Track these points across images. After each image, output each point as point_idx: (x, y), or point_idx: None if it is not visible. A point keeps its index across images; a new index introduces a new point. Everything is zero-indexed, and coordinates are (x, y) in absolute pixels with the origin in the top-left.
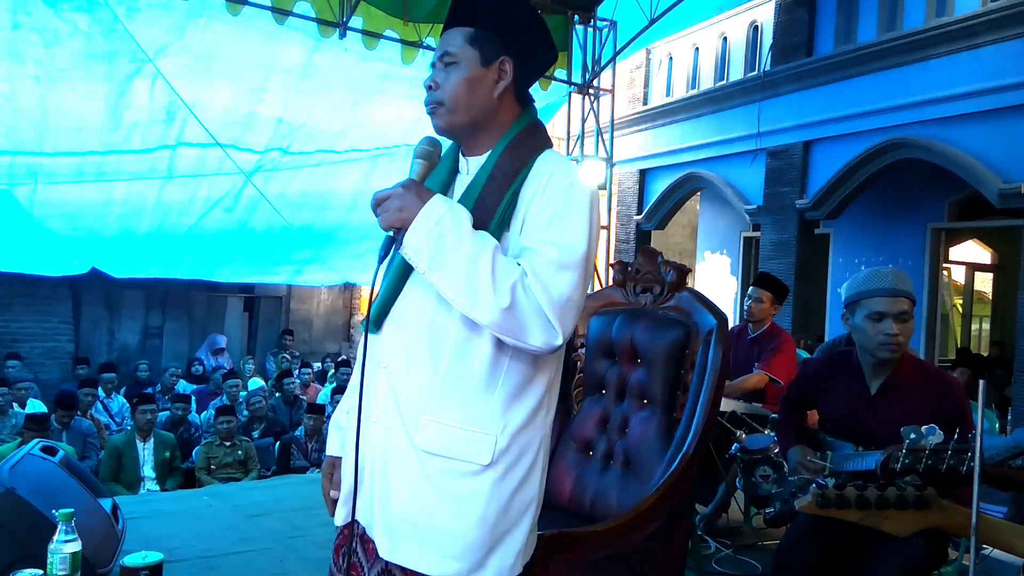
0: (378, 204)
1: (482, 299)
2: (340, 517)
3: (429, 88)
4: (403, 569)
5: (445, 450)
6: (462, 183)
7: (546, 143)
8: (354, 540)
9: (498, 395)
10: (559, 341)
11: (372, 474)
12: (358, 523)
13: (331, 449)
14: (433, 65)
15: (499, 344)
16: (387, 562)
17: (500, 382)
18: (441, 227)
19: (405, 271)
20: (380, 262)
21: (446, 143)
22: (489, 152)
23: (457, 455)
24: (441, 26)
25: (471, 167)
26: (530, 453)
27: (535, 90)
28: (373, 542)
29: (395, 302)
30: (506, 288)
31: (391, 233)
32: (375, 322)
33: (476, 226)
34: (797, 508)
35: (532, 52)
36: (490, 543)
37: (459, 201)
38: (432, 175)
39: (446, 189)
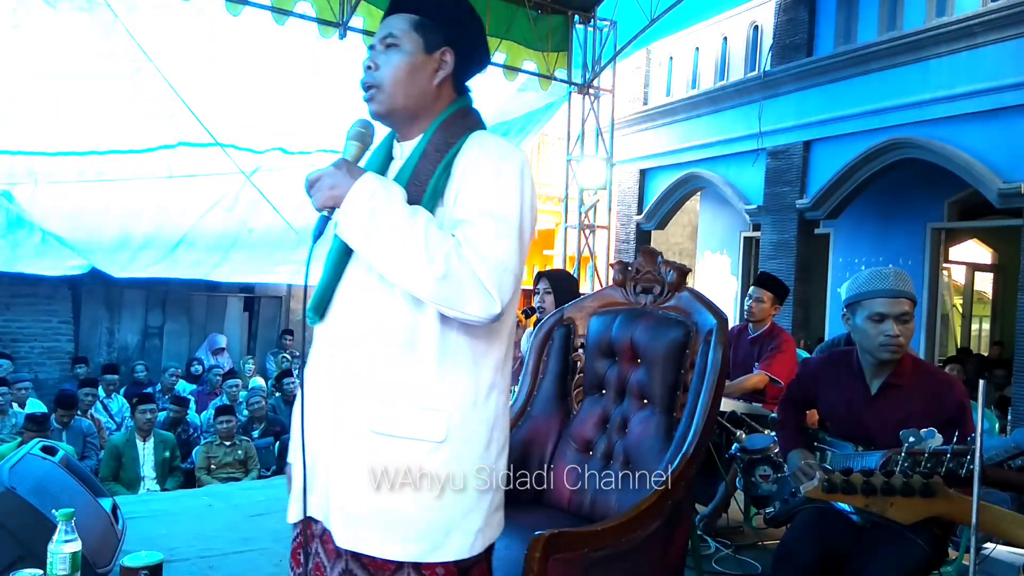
0: (311, 185)
1: (416, 270)
2: (293, 514)
3: (368, 68)
4: (361, 561)
5: (398, 430)
6: (395, 168)
7: (479, 124)
8: (315, 540)
9: (448, 373)
10: (498, 309)
11: (328, 465)
12: (316, 522)
13: (293, 455)
14: (372, 47)
15: (445, 321)
16: (347, 559)
17: (449, 360)
18: (373, 202)
19: (344, 257)
20: (314, 241)
21: (380, 129)
22: (422, 134)
23: (411, 434)
24: None
25: (405, 151)
26: (484, 430)
27: (538, 89)
28: (331, 543)
29: (336, 288)
30: (440, 257)
31: (325, 213)
32: (317, 310)
33: (410, 200)
34: (803, 492)
35: (472, 48)
36: (449, 523)
37: (394, 179)
38: (368, 161)
39: (381, 171)
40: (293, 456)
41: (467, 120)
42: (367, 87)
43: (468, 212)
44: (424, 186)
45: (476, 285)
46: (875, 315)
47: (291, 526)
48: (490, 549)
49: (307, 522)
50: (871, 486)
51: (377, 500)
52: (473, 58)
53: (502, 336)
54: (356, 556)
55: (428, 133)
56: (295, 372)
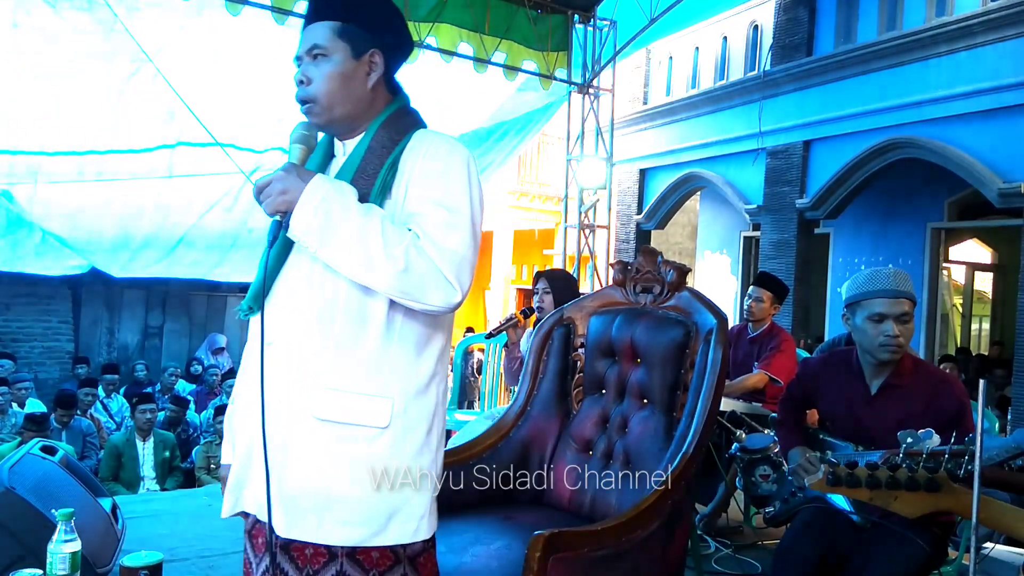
0: (260, 191)
1: (377, 267)
2: (226, 508)
3: (300, 83)
4: (292, 555)
5: (341, 416)
6: (337, 164)
7: (420, 123)
8: (245, 536)
9: (393, 359)
10: (458, 298)
11: (269, 455)
12: (248, 516)
13: (225, 458)
14: (299, 59)
15: (392, 307)
16: (275, 553)
17: (394, 346)
18: (327, 204)
19: (284, 249)
20: (269, 247)
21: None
22: (364, 132)
23: (354, 420)
24: (442, 25)
25: (347, 148)
26: (426, 417)
27: (538, 89)
28: (261, 532)
29: (275, 280)
30: (399, 252)
31: (277, 218)
32: (253, 301)
33: (359, 196)
34: (807, 485)
35: (397, 42)
36: (390, 508)
37: (338, 176)
38: (309, 160)
39: (322, 171)
40: (234, 448)
41: (408, 119)
42: (303, 101)
43: (420, 205)
44: (372, 181)
45: (436, 276)
46: (875, 315)
47: None
48: (434, 539)
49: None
50: (876, 479)
51: (317, 486)
52: (401, 52)
53: (445, 324)
54: (286, 548)
55: (371, 131)
56: None
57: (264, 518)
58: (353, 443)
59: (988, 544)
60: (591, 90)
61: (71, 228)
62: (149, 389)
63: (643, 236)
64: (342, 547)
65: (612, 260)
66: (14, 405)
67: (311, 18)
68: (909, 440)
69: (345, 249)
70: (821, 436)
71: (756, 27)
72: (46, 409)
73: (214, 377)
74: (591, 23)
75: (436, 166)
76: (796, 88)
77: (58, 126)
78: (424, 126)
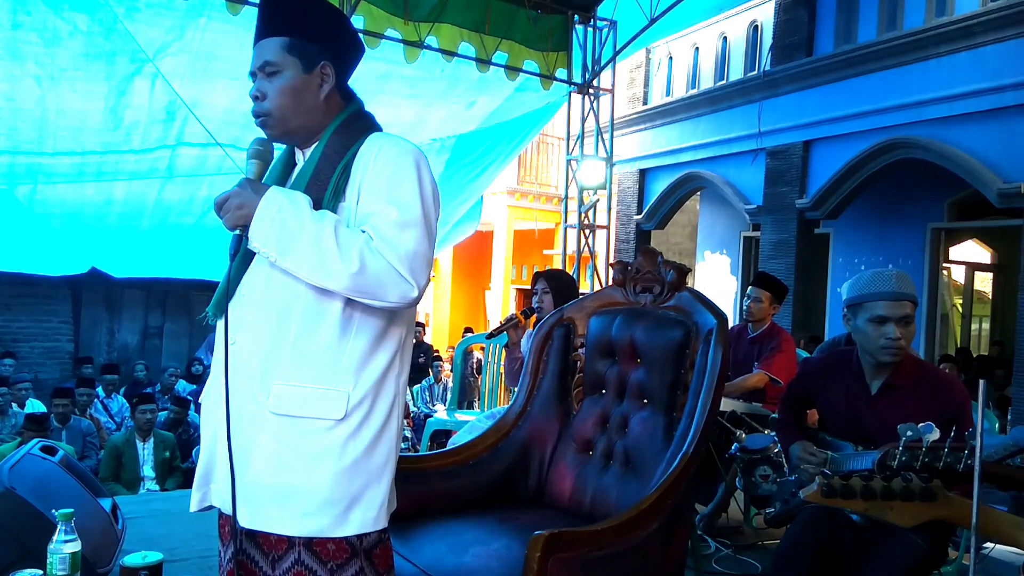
0: (219, 207)
1: (332, 270)
2: (194, 503)
3: (255, 98)
4: (258, 541)
5: (297, 410)
6: (296, 172)
7: (374, 127)
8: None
9: (349, 353)
10: (415, 293)
11: (228, 450)
12: (218, 511)
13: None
14: (253, 75)
15: (349, 303)
16: (241, 539)
17: (351, 340)
18: (282, 215)
19: (246, 258)
20: (232, 260)
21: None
22: (319, 141)
23: (309, 413)
24: (442, 25)
25: (306, 155)
26: (383, 407)
27: (538, 89)
28: (228, 522)
29: (238, 286)
30: (353, 255)
31: (237, 232)
32: (217, 306)
33: (313, 200)
34: (802, 497)
35: (346, 50)
36: (349, 498)
37: (294, 181)
38: (271, 171)
39: (283, 181)
40: (201, 444)
41: (361, 123)
42: (258, 116)
43: (373, 206)
44: (325, 185)
45: (392, 274)
46: (876, 317)
47: None
48: (388, 531)
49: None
50: (870, 490)
51: (276, 478)
52: (350, 59)
53: (404, 318)
54: (251, 535)
55: (324, 138)
56: None
57: (228, 511)
58: (310, 436)
59: (988, 544)
60: (591, 90)
61: (71, 228)
62: (149, 389)
63: (643, 236)
64: (300, 537)
65: (612, 260)
66: (14, 405)
67: (260, 34)
68: (909, 433)
69: (302, 256)
70: (821, 436)
71: (756, 27)
72: (46, 409)
73: None
74: (591, 23)
75: (386, 167)
76: (796, 88)
77: (58, 126)
78: (379, 129)
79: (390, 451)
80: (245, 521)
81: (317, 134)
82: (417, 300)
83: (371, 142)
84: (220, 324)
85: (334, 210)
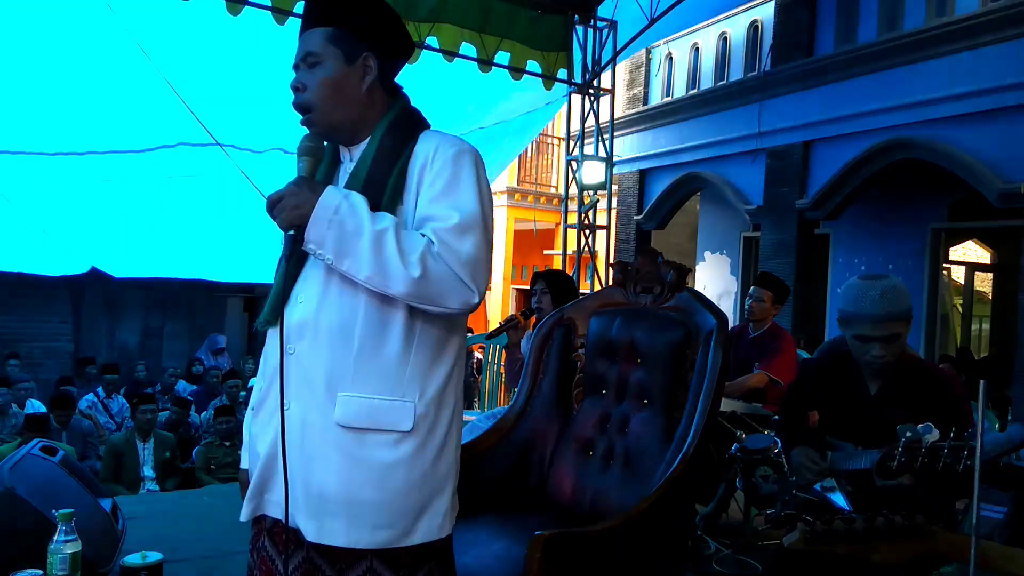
0: (272, 206)
1: (394, 275)
2: (245, 513)
3: (296, 89)
4: (324, 550)
5: (365, 422)
6: (346, 170)
7: (424, 124)
8: (263, 535)
9: (413, 363)
10: (476, 299)
11: (290, 461)
12: (267, 517)
13: (243, 462)
14: (296, 67)
15: (411, 312)
16: (308, 548)
17: (415, 350)
18: (340, 216)
19: (300, 260)
20: (285, 262)
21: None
22: (368, 139)
23: (378, 426)
24: (443, 25)
25: (353, 155)
26: (446, 417)
27: (538, 89)
28: (291, 531)
29: (294, 289)
30: (416, 259)
31: (291, 232)
32: (272, 314)
33: (371, 204)
34: (786, 544)
35: (392, 45)
36: (418, 508)
37: (347, 183)
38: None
39: (330, 180)
40: (251, 456)
41: (412, 120)
42: (299, 108)
43: (433, 209)
44: (382, 190)
45: (453, 280)
46: (860, 336)
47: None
48: (451, 535)
49: (262, 519)
50: (854, 533)
51: (345, 492)
52: (397, 54)
53: (460, 324)
54: (320, 546)
55: (375, 138)
56: None
57: (289, 523)
58: (378, 448)
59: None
60: (591, 90)
61: (71, 228)
62: (149, 390)
63: (643, 236)
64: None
65: (612, 260)
66: (14, 405)
67: (305, 25)
68: (908, 434)
69: (361, 260)
70: (822, 436)
71: (756, 27)
72: (46, 409)
73: (215, 379)
74: (591, 23)
75: (445, 169)
76: (796, 88)
77: (58, 126)
78: (428, 125)
79: (453, 460)
80: (312, 536)
81: (363, 131)
82: (477, 305)
83: (426, 141)
84: (272, 333)
85: (392, 214)
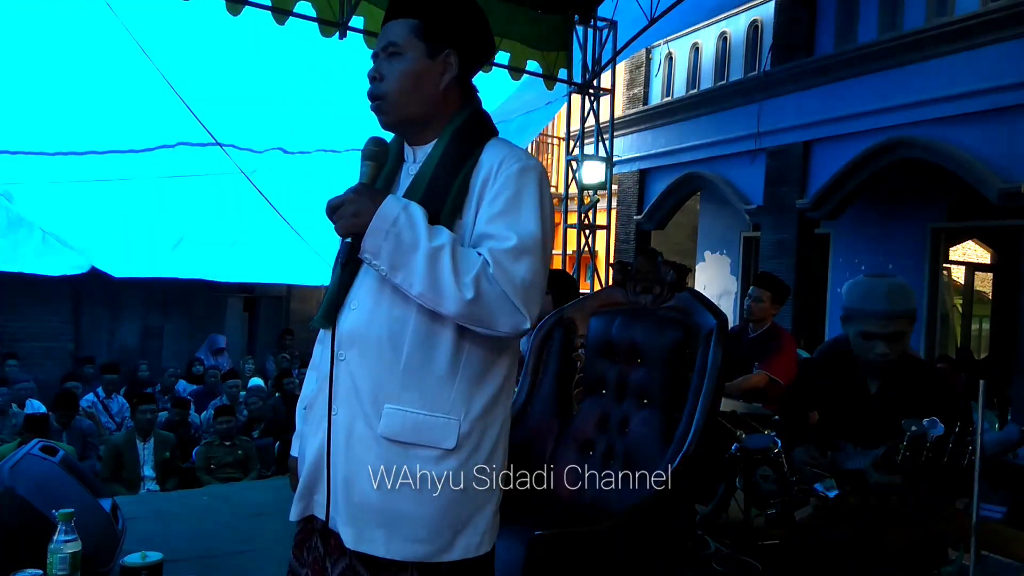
0: (332, 211)
1: (447, 294)
2: (295, 512)
3: (373, 79)
4: (366, 560)
5: (409, 437)
6: (409, 173)
7: (492, 131)
8: (314, 536)
9: (460, 380)
10: (527, 325)
11: (334, 467)
12: (317, 518)
13: (294, 449)
14: (375, 56)
15: (460, 331)
16: (351, 556)
17: (461, 368)
18: (397, 228)
19: (355, 267)
20: (340, 268)
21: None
22: (435, 141)
23: (421, 441)
24: None
25: (417, 156)
26: (491, 436)
27: (538, 89)
28: (336, 536)
29: (348, 295)
30: (470, 281)
31: (349, 240)
32: (326, 316)
33: (429, 215)
34: (797, 519)
35: (475, 45)
36: (457, 525)
37: (408, 189)
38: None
39: (392, 178)
40: (299, 456)
41: (480, 127)
42: (373, 98)
43: (491, 228)
44: (443, 200)
45: (506, 304)
46: (864, 333)
47: (293, 525)
48: (492, 551)
49: (311, 519)
50: (864, 510)
51: (384, 502)
52: (478, 55)
53: (511, 346)
54: (360, 554)
55: (442, 143)
56: (295, 372)
57: (333, 527)
58: (420, 463)
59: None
60: (591, 90)
61: (71, 228)
62: (149, 389)
63: (643, 236)
64: (412, 562)
65: (612, 260)
66: (14, 405)
67: (390, 14)
68: (913, 428)
69: (415, 275)
70: (822, 435)
71: (756, 27)
72: (46, 409)
73: (213, 379)
74: (591, 23)
75: (508, 186)
76: (796, 88)
77: (58, 126)
78: (496, 132)
79: (496, 479)
80: (350, 543)
81: (432, 130)
82: (528, 331)
83: (492, 152)
84: (324, 334)
85: (451, 227)
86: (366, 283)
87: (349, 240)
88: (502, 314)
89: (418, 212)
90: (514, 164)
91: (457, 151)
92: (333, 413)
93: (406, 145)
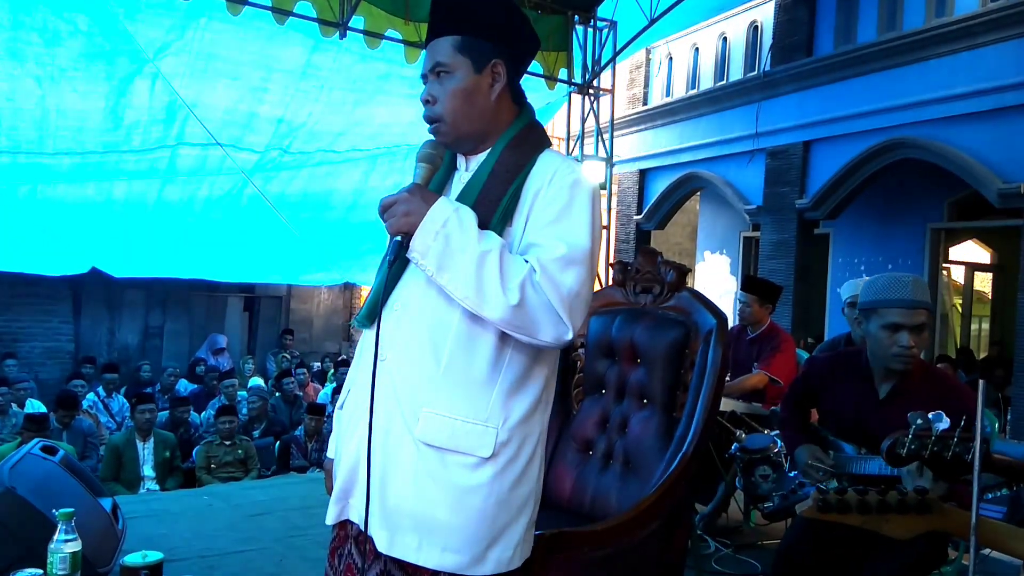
0: (384, 210)
1: (491, 298)
2: (331, 516)
3: (426, 102)
4: (401, 564)
5: (445, 442)
6: (460, 180)
7: (545, 142)
8: (348, 542)
9: (499, 388)
10: (570, 335)
11: (372, 470)
12: (352, 523)
13: (331, 451)
14: (424, 77)
15: (502, 337)
16: (386, 560)
17: (501, 375)
18: (447, 229)
19: (403, 266)
20: (388, 267)
21: None
22: (489, 150)
23: (458, 448)
24: None
25: (470, 164)
26: (529, 447)
27: (539, 90)
28: (371, 542)
29: (392, 295)
30: (515, 286)
31: (399, 238)
32: (369, 316)
33: (479, 221)
34: (798, 512)
35: (520, 47)
36: (490, 536)
37: (460, 196)
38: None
39: (443, 185)
40: (336, 458)
41: (533, 138)
42: (430, 120)
43: (541, 238)
44: (494, 208)
45: (550, 313)
46: (890, 324)
47: (293, 524)
48: (526, 565)
49: (346, 524)
50: (866, 504)
51: (418, 507)
52: (524, 55)
53: (552, 355)
54: (396, 559)
55: (496, 150)
56: (295, 372)
57: (371, 532)
58: (456, 469)
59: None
60: (591, 90)
61: (71, 228)
62: (149, 389)
63: (643, 236)
64: (444, 571)
65: (612, 260)
66: (14, 405)
67: (432, 34)
68: (919, 421)
69: (462, 277)
70: (823, 434)
71: (756, 27)
72: (46, 409)
73: (213, 381)
74: (591, 23)
75: (560, 197)
76: (796, 88)
77: (58, 126)
78: (549, 144)
79: (531, 492)
80: (383, 547)
81: (486, 141)
82: (570, 342)
83: (544, 164)
84: (367, 334)
85: (501, 234)
86: (411, 284)
87: (399, 239)
88: (545, 323)
89: (469, 215)
90: (568, 176)
91: (511, 160)
92: (374, 417)
93: (459, 156)
